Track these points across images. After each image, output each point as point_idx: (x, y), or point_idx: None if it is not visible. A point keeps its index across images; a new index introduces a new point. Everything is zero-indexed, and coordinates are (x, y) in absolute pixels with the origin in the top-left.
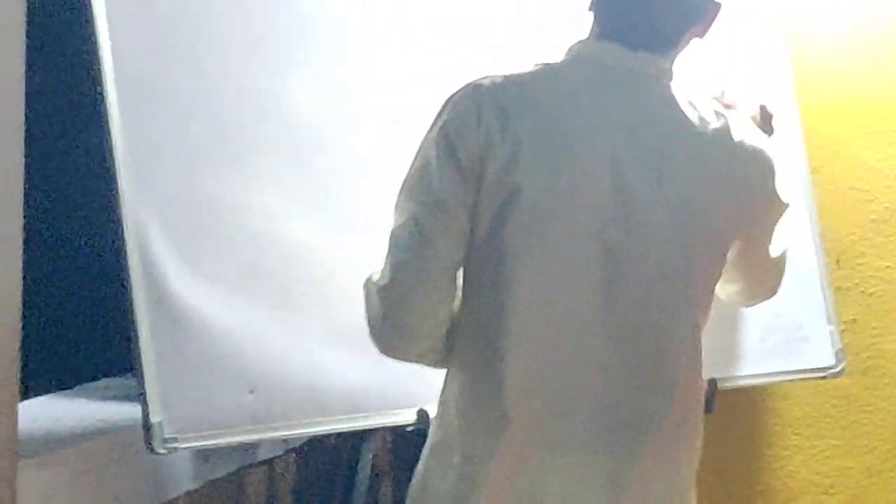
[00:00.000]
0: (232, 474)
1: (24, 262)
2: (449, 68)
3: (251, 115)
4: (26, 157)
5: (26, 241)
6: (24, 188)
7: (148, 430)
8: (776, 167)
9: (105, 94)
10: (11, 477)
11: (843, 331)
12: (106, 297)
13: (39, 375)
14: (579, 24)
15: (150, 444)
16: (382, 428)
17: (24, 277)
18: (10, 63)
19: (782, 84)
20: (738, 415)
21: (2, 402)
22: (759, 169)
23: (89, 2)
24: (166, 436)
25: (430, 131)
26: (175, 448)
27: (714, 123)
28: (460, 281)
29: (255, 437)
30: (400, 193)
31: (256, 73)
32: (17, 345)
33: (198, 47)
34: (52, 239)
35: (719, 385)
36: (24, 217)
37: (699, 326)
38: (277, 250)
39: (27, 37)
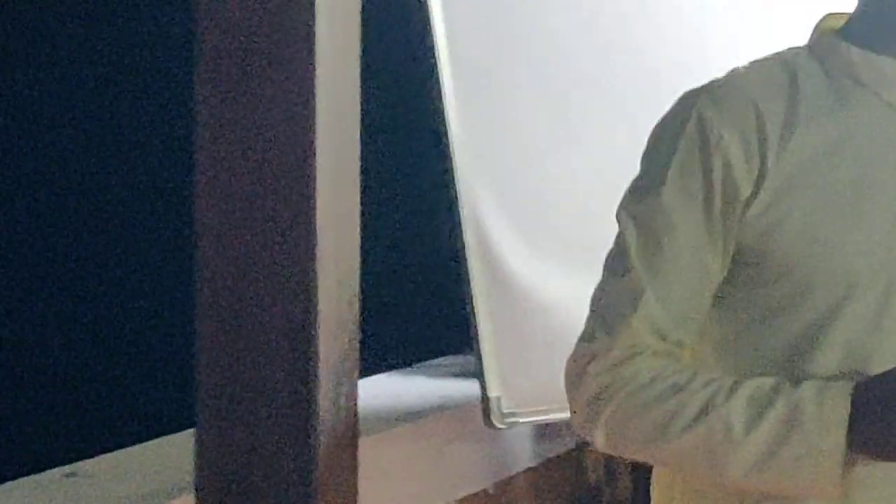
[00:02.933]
0: (570, 452)
1: (363, 243)
2: None
3: (584, 98)
4: (363, 141)
5: (367, 223)
6: (362, 170)
7: (487, 405)
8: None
9: (441, 81)
10: (354, 452)
11: None
12: (443, 276)
13: (380, 354)
14: None
15: (489, 419)
16: None
17: (364, 258)
18: (348, 51)
19: None
20: None
21: (344, 379)
22: None
23: None
24: (505, 411)
25: None
26: (514, 423)
27: None
28: None
29: None
30: None
31: (587, 58)
32: (357, 324)
33: (531, 34)
34: (393, 220)
35: None
36: (363, 198)
37: None
38: (615, 227)
39: (363, 27)
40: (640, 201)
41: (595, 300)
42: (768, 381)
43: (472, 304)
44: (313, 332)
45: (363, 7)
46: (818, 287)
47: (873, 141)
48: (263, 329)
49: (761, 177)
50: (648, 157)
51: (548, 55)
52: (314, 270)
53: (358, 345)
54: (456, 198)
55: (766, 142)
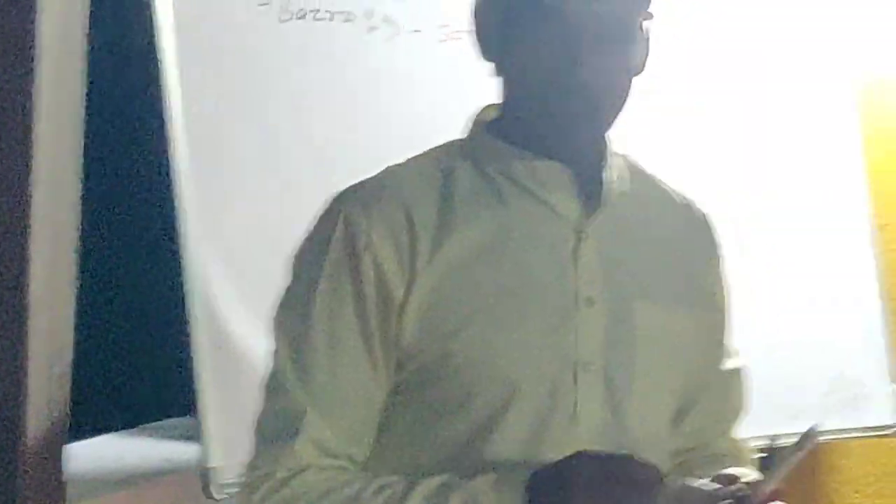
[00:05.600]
0: None
1: (88, 305)
2: None
3: (317, 167)
4: (90, 201)
5: (94, 283)
6: (90, 229)
7: (206, 474)
8: None
9: (174, 144)
10: None
11: None
12: (172, 338)
13: (104, 414)
14: None
15: (208, 488)
16: None
17: (90, 320)
18: (69, 109)
19: (849, 139)
20: (798, 472)
21: (50, 444)
22: None
23: (161, 53)
24: (224, 482)
25: None
26: (232, 494)
27: None
28: None
29: None
30: None
31: (323, 126)
32: (66, 403)
33: (266, 96)
34: (119, 282)
35: (778, 442)
36: (93, 256)
37: None
38: None
39: (96, 85)
40: (292, 314)
41: (257, 425)
42: (441, 479)
43: (195, 370)
44: (20, 411)
45: (93, 62)
46: (481, 391)
47: (531, 241)
48: None
49: (413, 280)
50: (299, 263)
51: (284, 123)
52: (25, 349)
53: (66, 423)
54: (184, 262)
55: (417, 243)
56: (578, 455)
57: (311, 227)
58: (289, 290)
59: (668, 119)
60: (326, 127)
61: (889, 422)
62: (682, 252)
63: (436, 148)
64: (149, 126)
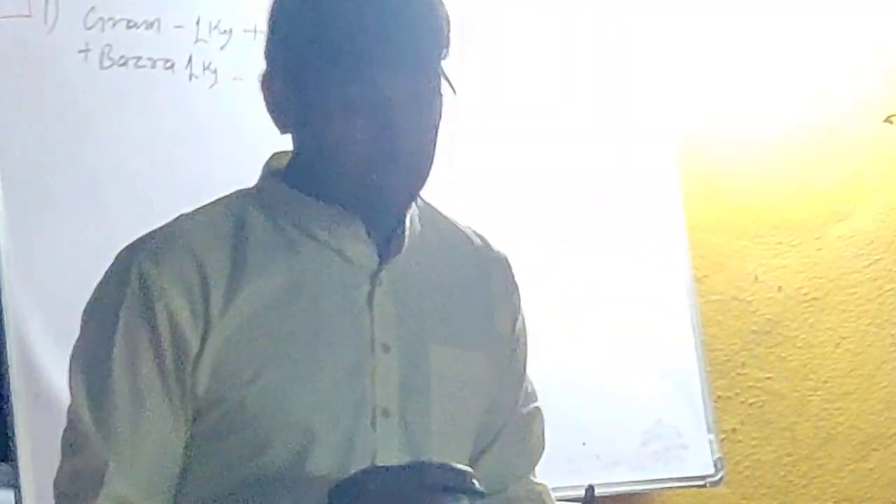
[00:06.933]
0: None
1: None
2: None
3: (137, 213)
4: None
5: None
6: None
7: None
8: None
9: None
10: None
11: (723, 440)
12: None
13: None
14: None
15: None
16: None
17: None
18: None
19: (668, 192)
20: None
21: None
22: None
23: None
24: None
25: None
26: None
27: None
28: None
29: None
30: None
31: (143, 173)
32: None
33: (85, 143)
34: None
35: (596, 491)
36: None
37: None
38: None
39: None
40: (88, 368)
41: (57, 483)
42: None
43: (11, 416)
44: None
45: None
46: (278, 439)
47: (325, 288)
48: None
49: (208, 329)
50: (92, 317)
51: (104, 170)
52: None
53: None
54: (1, 308)
55: (210, 293)
56: (374, 467)
57: (103, 281)
58: (82, 343)
59: (483, 172)
60: (147, 174)
61: (707, 471)
62: (479, 294)
63: (226, 196)
64: None
